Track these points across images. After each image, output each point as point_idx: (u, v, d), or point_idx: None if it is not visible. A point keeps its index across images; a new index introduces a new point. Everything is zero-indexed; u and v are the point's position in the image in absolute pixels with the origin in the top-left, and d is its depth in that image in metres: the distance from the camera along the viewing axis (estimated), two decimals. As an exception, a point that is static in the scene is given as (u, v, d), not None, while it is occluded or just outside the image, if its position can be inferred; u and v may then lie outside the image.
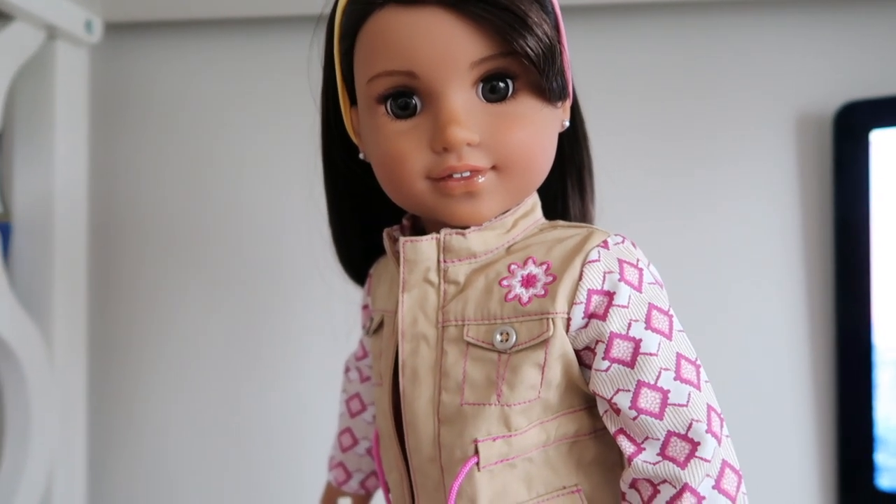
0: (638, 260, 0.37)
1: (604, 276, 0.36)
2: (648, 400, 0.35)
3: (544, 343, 0.36)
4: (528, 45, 0.35)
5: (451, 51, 0.35)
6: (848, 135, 0.71)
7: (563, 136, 0.43)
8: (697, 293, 0.75)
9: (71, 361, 0.77)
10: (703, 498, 0.33)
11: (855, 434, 0.71)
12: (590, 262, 0.36)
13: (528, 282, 0.37)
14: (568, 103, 0.41)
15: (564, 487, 0.38)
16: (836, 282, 0.72)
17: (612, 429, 0.36)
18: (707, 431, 0.34)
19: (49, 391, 0.72)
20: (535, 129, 0.38)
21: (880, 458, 0.69)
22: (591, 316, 0.36)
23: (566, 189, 0.46)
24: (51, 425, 0.73)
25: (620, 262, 0.37)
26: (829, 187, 0.73)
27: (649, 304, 0.36)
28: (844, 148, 0.71)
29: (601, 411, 0.37)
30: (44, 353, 0.72)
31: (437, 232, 0.39)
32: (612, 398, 0.35)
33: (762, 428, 0.74)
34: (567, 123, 0.42)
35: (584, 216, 0.47)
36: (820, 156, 0.74)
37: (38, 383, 0.70)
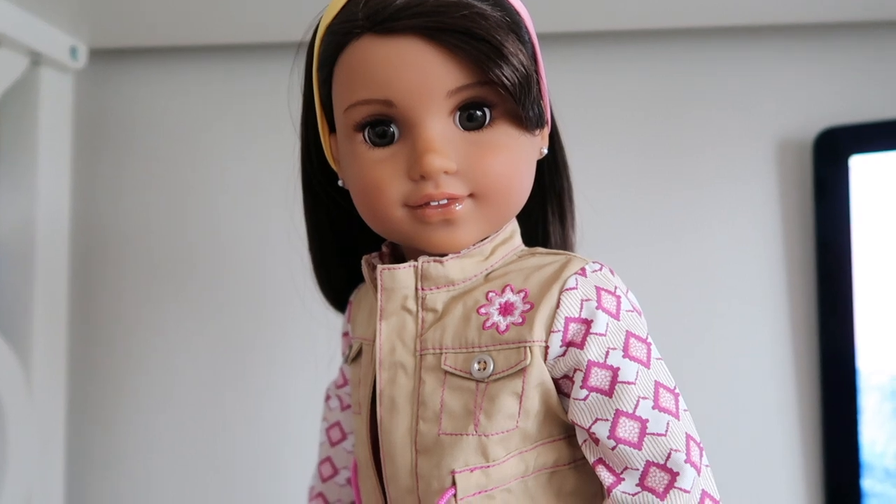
0: (616, 287, 0.37)
1: (581, 304, 0.36)
2: (627, 429, 0.34)
3: (522, 372, 0.36)
4: (504, 74, 0.35)
5: (428, 80, 0.36)
6: (828, 160, 0.72)
7: (542, 164, 0.43)
8: (680, 317, 0.75)
9: (50, 389, 0.76)
10: (683, 530, 0.33)
11: (841, 460, 0.71)
12: (567, 289, 0.36)
13: (506, 310, 0.37)
14: (546, 131, 0.42)
15: (544, 519, 0.37)
16: (818, 306, 0.72)
17: (591, 459, 0.36)
18: (686, 461, 0.34)
19: (27, 419, 0.71)
20: (512, 157, 0.38)
21: (867, 483, 0.69)
22: (568, 344, 0.36)
23: (546, 216, 0.46)
24: (29, 455, 0.71)
25: (598, 289, 0.37)
26: (810, 211, 0.74)
27: (627, 331, 0.36)
28: (825, 173, 0.72)
29: (580, 441, 0.37)
30: (22, 380, 0.70)
31: (416, 259, 0.39)
32: (590, 427, 0.35)
33: (747, 453, 0.74)
34: (545, 151, 0.42)
35: (565, 243, 0.47)
36: (801, 180, 0.75)
37: (15, 412, 0.69)
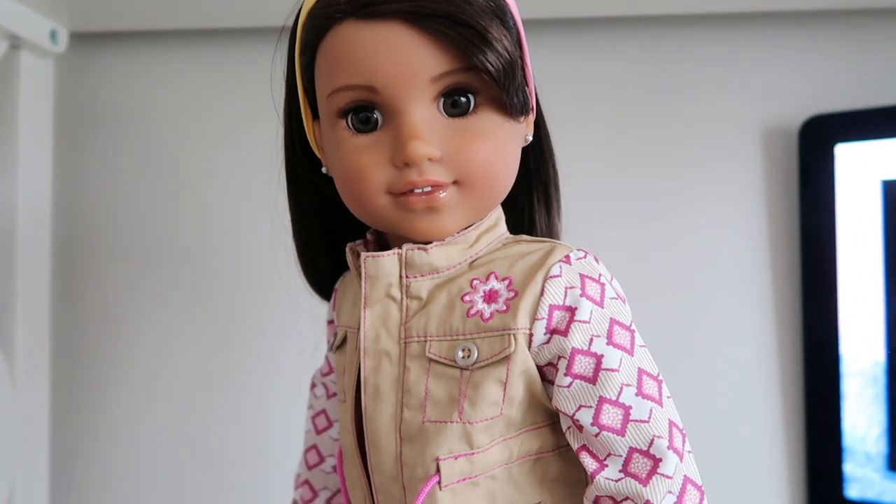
0: (600, 275, 0.37)
1: (565, 292, 0.36)
2: (610, 416, 0.35)
3: (506, 359, 0.36)
4: (487, 60, 0.35)
5: (411, 65, 0.35)
6: (813, 148, 0.72)
7: (528, 151, 0.43)
8: (664, 304, 0.75)
9: (34, 376, 0.75)
10: (665, 515, 0.33)
11: (823, 445, 0.71)
12: (551, 277, 0.36)
13: (490, 297, 0.37)
14: (531, 118, 0.41)
15: (528, 505, 0.37)
16: (802, 293, 0.73)
17: (574, 445, 0.36)
18: (669, 448, 0.34)
19: (11, 408, 0.70)
20: (496, 144, 0.38)
21: (848, 468, 0.70)
22: (552, 331, 0.36)
23: (532, 203, 0.46)
24: (13, 443, 0.71)
25: (582, 277, 0.37)
26: (795, 199, 0.74)
27: (611, 319, 0.36)
28: (810, 161, 0.72)
29: (564, 428, 0.37)
30: (5, 371, 0.70)
31: (400, 247, 0.39)
32: (574, 414, 0.35)
33: (730, 439, 0.75)
34: (530, 138, 0.42)
35: (551, 230, 0.47)
36: (786, 168, 0.75)
37: (-2, 401, 0.69)
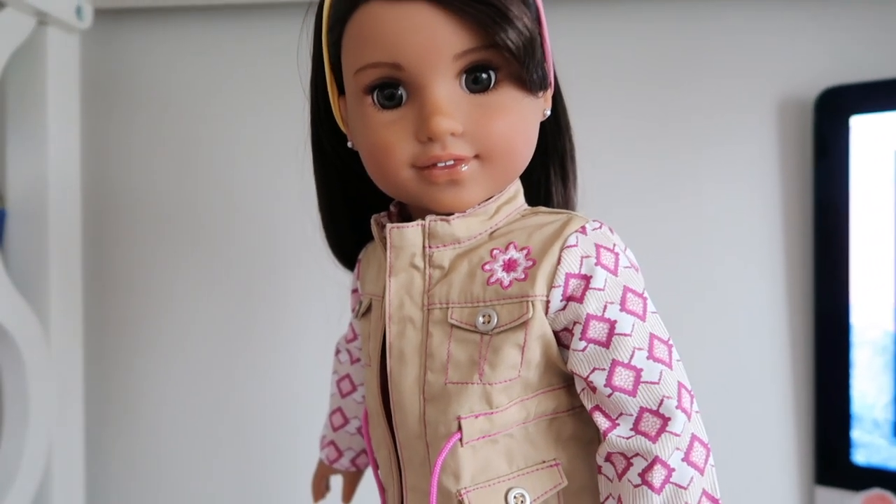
0: (614, 245, 0.39)
1: (581, 261, 0.37)
2: (622, 378, 0.36)
3: (524, 324, 0.37)
4: (508, 37, 0.36)
5: (435, 43, 0.37)
6: (828, 119, 0.72)
7: (545, 125, 0.44)
8: (678, 275, 0.76)
9: (68, 345, 0.78)
10: (673, 470, 0.35)
11: (832, 411, 0.73)
12: (568, 247, 0.38)
13: (510, 266, 0.38)
14: (549, 93, 0.42)
15: (544, 462, 0.39)
16: (815, 263, 0.74)
17: (588, 406, 0.38)
18: (677, 407, 0.36)
19: (47, 374, 0.73)
20: (516, 119, 0.39)
21: (856, 434, 0.71)
22: (568, 298, 0.37)
23: (549, 176, 0.47)
24: (49, 407, 0.74)
25: (597, 246, 0.38)
26: (809, 171, 0.75)
27: (624, 286, 0.38)
28: (825, 132, 0.72)
29: (578, 389, 0.39)
30: (41, 337, 0.73)
31: (423, 218, 0.40)
32: (588, 376, 0.37)
33: (742, 405, 0.76)
34: (548, 112, 0.43)
35: (567, 202, 0.48)
36: (801, 140, 0.75)
37: (35, 367, 0.72)
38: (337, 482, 0.59)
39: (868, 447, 0.71)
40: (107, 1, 0.78)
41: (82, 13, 0.77)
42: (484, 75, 0.38)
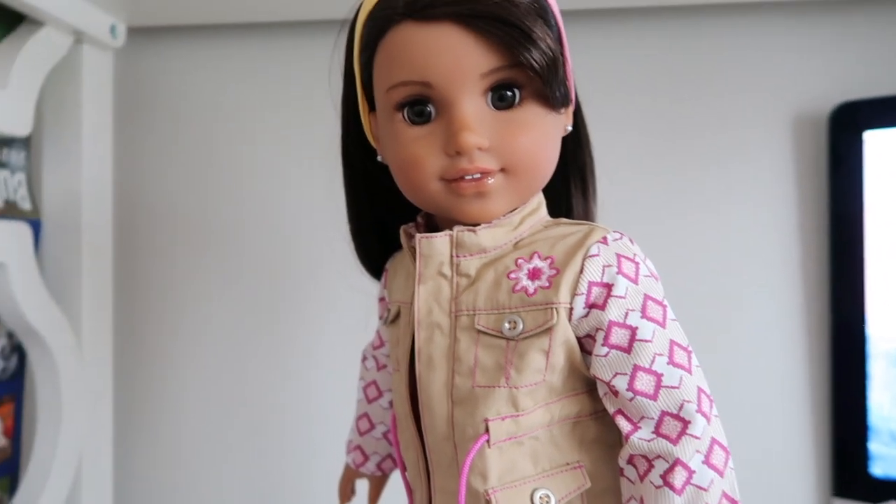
0: (635, 255, 0.40)
1: (603, 270, 0.39)
2: (644, 382, 0.38)
3: (549, 331, 0.39)
4: (532, 57, 0.38)
5: (462, 63, 0.38)
6: (843, 134, 0.73)
7: (566, 139, 0.46)
8: (695, 288, 0.77)
9: (99, 350, 0.80)
10: (694, 472, 0.36)
11: (849, 423, 0.73)
12: (590, 256, 0.39)
13: (534, 275, 0.40)
14: (571, 109, 0.44)
15: (567, 464, 0.41)
16: (831, 276, 0.74)
17: (610, 409, 0.39)
18: (697, 411, 0.37)
19: (79, 378, 0.75)
20: (539, 134, 0.40)
21: (873, 446, 0.72)
22: (591, 306, 0.39)
23: (570, 189, 0.49)
24: (80, 411, 0.76)
25: (619, 256, 0.39)
26: (824, 185, 0.75)
27: (645, 294, 0.39)
28: (839, 147, 0.73)
29: (601, 394, 0.40)
30: (73, 342, 0.75)
31: (450, 229, 0.42)
32: (610, 381, 0.38)
33: (759, 417, 0.77)
34: (570, 128, 0.45)
35: (587, 214, 0.50)
36: (816, 155, 0.76)
37: (68, 371, 0.73)
38: (362, 486, 0.61)
39: (886, 459, 0.71)
40: (140, 19, 0.80)
41: (116, 32, 0.79)
42: (509, 93, 0.40)
